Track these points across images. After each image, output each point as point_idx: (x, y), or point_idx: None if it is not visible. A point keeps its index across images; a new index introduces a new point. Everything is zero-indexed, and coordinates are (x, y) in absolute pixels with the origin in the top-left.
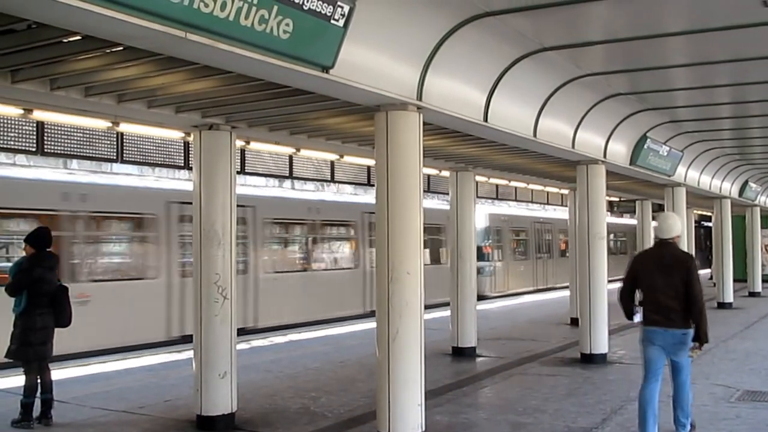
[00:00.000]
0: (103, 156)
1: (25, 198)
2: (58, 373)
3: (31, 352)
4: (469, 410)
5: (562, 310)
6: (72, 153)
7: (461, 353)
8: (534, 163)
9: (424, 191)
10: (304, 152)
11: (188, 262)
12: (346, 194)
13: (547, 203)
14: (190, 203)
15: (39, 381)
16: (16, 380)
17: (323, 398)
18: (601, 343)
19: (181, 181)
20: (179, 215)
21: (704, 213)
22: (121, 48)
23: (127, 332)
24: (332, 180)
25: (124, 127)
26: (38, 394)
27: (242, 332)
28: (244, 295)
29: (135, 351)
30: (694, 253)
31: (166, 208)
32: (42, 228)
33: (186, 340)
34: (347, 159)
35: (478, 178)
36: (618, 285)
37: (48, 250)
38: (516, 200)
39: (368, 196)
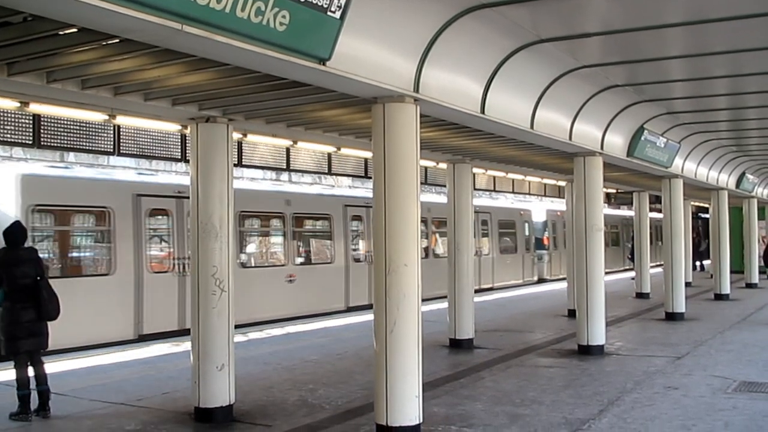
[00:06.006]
0: (100, 149)
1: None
2: (55, 366)
3: (18, 345)
4: (466, 402)
5: (560, 301)
6: (69, 146)
7: (459, 345)
8: (531, 155)
9: (421, 183)
10: (301, 144)
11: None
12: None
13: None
14: None
15: (34, 374)
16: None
17: (321, 390)
18: (598, 335)
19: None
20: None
21: (701, 205)
22: (117, 40)
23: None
24: (329, 172)
25: (121, 120)
26: (34, 386)
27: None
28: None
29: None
30: (691, 245)
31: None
32: (15, 222)
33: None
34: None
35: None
36: None
37: (26, 246)
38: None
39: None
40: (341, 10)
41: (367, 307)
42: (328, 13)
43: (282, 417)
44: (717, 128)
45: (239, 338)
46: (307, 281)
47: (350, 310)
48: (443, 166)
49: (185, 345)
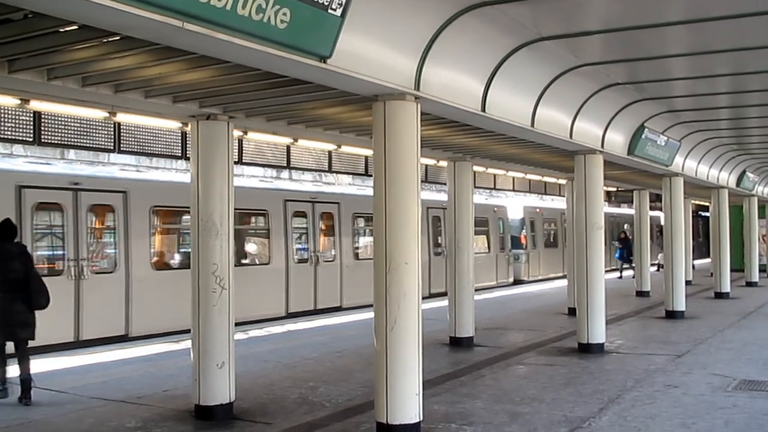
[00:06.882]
0: (100, 146)
1: None
2: (55, 364)
3: (15, 332)
4: (466, 400)
5: (560, 300)
6: (69, 143)
7: (459, 343)
8: (532, 153)
9: (422, 181)
10: (301, 142)
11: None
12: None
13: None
14: None
15: (20, 365)
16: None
17: (321, 388)
18: (598, 333)
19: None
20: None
21: (702, 203)
22: (118, 38)
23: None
24: (330, 170)
25: (122, 117)
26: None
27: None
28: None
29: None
30: (691, 243)
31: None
32: (6, 220)
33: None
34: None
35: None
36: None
37: (16, 240)
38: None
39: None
40: (342, 8)
41: (312, 313)
42: (329, 10)
43: (282, 415)
44: (718, 126)
45: (239, 336)
46: (236, 285)
47: (291, 316)
48: (443, 164)
49: (185, 343)
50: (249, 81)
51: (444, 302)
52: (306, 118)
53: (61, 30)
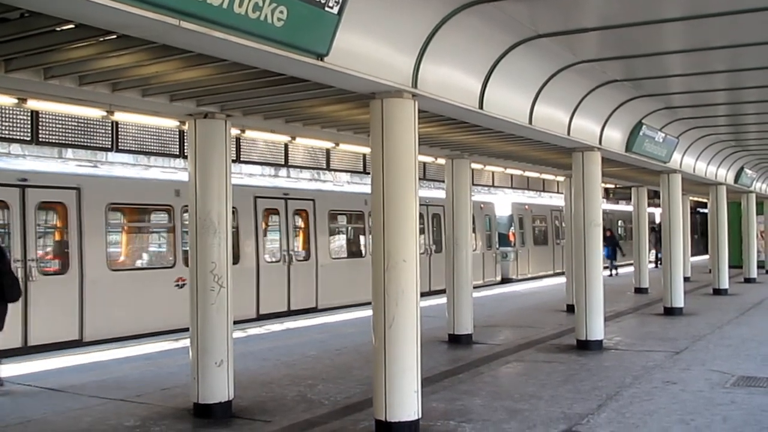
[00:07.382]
0: (98, 145)
1: None
2: (54, 363)
3: None
4: (465, 397)
5: (559, 297)
6: (67, 142)
7: (458, 340)
8: (529, 150)
9: (420, 179)
10: (299, 140)
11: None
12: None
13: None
14: None
15: None
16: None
17: (320, 386)
18: (596, 330)
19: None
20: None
21: (700, 200)
22: (115, 36)
23: None
24: (328, 168)
25: (119, 116)
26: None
27: None
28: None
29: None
30: (690, 239)
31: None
32: None
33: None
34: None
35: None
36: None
37: None
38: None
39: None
40: (339, 6)
41: (285, 315)
42: (326, 8)
43: (281, 413)
44: (715, 123)
45: (238, 334)
46: None
47: (262, 318)
48: (442, 161)
49: (184, 341)
50: (246, 79)
51: (441, 300)
52: (303, 116)
53: (58, 29)
